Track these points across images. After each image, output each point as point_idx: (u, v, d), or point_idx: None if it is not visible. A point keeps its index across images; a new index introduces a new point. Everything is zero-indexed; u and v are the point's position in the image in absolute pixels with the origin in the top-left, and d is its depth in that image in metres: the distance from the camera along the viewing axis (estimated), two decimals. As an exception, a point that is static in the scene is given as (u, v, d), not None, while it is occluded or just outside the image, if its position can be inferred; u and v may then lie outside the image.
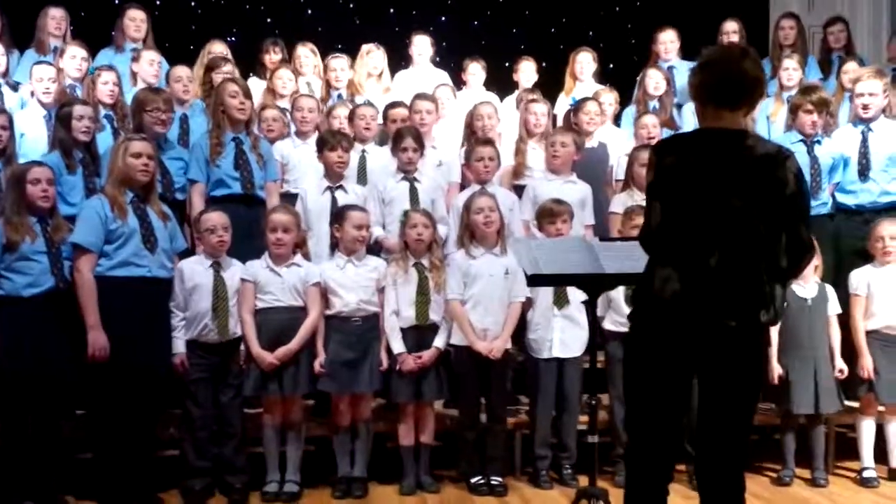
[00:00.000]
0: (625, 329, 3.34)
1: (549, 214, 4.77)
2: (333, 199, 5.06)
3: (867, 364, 4.81)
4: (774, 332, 4.83)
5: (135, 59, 6.15)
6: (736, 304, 2.70)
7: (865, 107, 5.44)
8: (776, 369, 4.80)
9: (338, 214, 4.70)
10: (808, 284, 4.84)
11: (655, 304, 2.78)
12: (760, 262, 2.72)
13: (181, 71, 5.95)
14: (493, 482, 4.58)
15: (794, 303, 4.79)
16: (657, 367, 2.79)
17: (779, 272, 2.77)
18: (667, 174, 2.81)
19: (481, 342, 4.56)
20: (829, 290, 4.91)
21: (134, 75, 6.11)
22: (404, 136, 5.25)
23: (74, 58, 5.95)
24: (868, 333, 4.88)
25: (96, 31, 6.99)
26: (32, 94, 5.74)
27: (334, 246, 4.73)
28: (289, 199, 5.23)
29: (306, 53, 6.62)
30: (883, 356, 4.84)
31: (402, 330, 4.58)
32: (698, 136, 2.91)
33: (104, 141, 5.19)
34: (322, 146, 5.16)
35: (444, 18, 8.74)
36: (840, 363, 4.83)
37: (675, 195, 2.79)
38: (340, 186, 5.14)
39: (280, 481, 4.52)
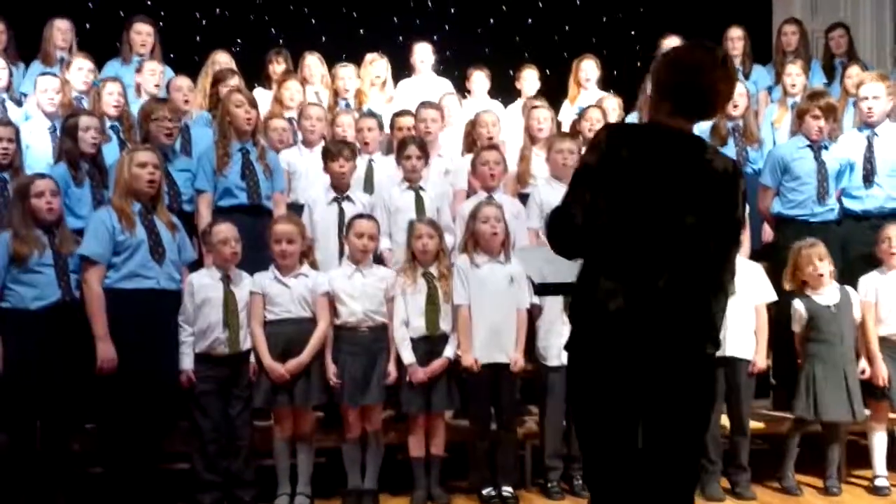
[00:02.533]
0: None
1: None
2: (340, 210, 5.04)
3: (881, 372, 4.77)
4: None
5: (138, 71, 6.16)
6: (682, 333, 2.50)
7: (870, 109, 5.43)
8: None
9: (347, 225, 4.69)
10: (826, 290, 4.79)
11: (599, 315, 2.51)
12: (708, 288, 2.53)
13: (181, 81, 5.94)
14: (504, 493, 4.55)
15: (818, 312, 4.74)
16: (607, 387, 2.52)
17: (722, 298, 2.57)
18: (617, 168, 2.51)
19: (469, 357, 4.52)
20: (853, 293, 4.84)
21: (139, 87, 6.11)
22: (408, 145, 5.24)
23: (81, 69, 5.96)
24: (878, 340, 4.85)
25: (102, 43, 6.99)
26: (37, 105, 5.73)
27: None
28: (295, 209, 5.22)
29: (315, 63, 6.59)
30: (893, 363, 4.81)
31: (412, 340, 4.55)
32: (656, 134, 2.59)
33: (111, 153, 5.18)
34: (326, 157, 5.14)
35: (447, 27, 8.73)
36: (864, 364, 4.78)
37: (625, 197, 2.50)
38: (347, 197, 5.12)
39: (291, 494, 4.50)
